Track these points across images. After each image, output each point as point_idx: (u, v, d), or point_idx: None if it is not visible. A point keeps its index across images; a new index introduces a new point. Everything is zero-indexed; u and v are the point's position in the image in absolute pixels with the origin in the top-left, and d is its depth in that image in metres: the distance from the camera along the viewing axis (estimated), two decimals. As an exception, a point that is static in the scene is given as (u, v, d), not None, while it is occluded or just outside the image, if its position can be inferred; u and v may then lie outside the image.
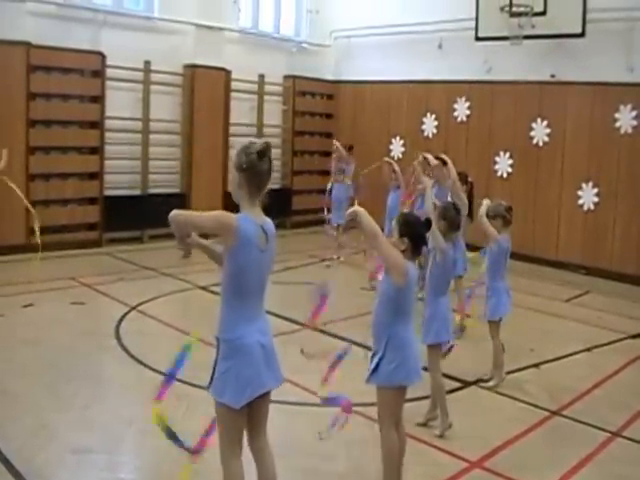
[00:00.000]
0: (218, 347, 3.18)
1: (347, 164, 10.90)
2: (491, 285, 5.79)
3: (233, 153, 3.24)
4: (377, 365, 3.75)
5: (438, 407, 4.88)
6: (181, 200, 11.70)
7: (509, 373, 5.99)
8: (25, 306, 7.27)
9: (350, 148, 11.22)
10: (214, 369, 3.17)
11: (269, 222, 3.26)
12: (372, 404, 4.24)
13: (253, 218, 3.15)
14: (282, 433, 4.57)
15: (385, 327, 3.74)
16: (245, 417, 3.20)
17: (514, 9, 10.63)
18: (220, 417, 3.17)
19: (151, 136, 11.42)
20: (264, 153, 3.15)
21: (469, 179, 7.68)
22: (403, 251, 3.76)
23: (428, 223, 3.92)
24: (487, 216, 5.68)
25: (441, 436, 4.77)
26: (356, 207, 3.67)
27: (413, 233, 3.81)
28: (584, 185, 10.67)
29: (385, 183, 9.62)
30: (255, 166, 3.14)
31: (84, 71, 10.42)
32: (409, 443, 4.05)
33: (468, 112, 12.20)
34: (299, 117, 13.86)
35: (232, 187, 3.24)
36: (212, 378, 3.17)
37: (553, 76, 10.90)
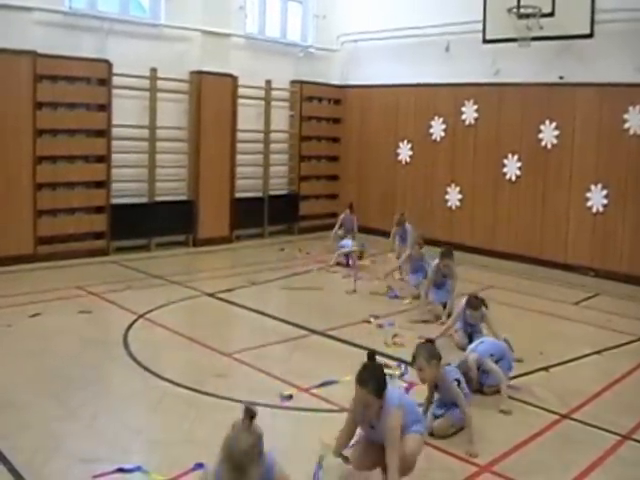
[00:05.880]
0: None
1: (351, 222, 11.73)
2: None
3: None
4: None
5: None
6: (188, 208, 11.69)
7: (518, 377, 5.96)
8: (32, 316, 7.26)
9: (350, 206, 11.82)
10: None
11: None
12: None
13: None
14: (288, 439, 4.56)
15: None
16: None
17: (522, 10, 10.58)
18: None
19: (158, 144, 11.42)
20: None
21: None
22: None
23: None
24: None
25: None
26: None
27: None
28: (593, 187, 10.59)
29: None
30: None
31: (90, 79, 10.42)
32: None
33: (476, 115, 12.14)
34: (306, 122, 13.85)
35: None
36: None
37: (561, 78, 10.83)
